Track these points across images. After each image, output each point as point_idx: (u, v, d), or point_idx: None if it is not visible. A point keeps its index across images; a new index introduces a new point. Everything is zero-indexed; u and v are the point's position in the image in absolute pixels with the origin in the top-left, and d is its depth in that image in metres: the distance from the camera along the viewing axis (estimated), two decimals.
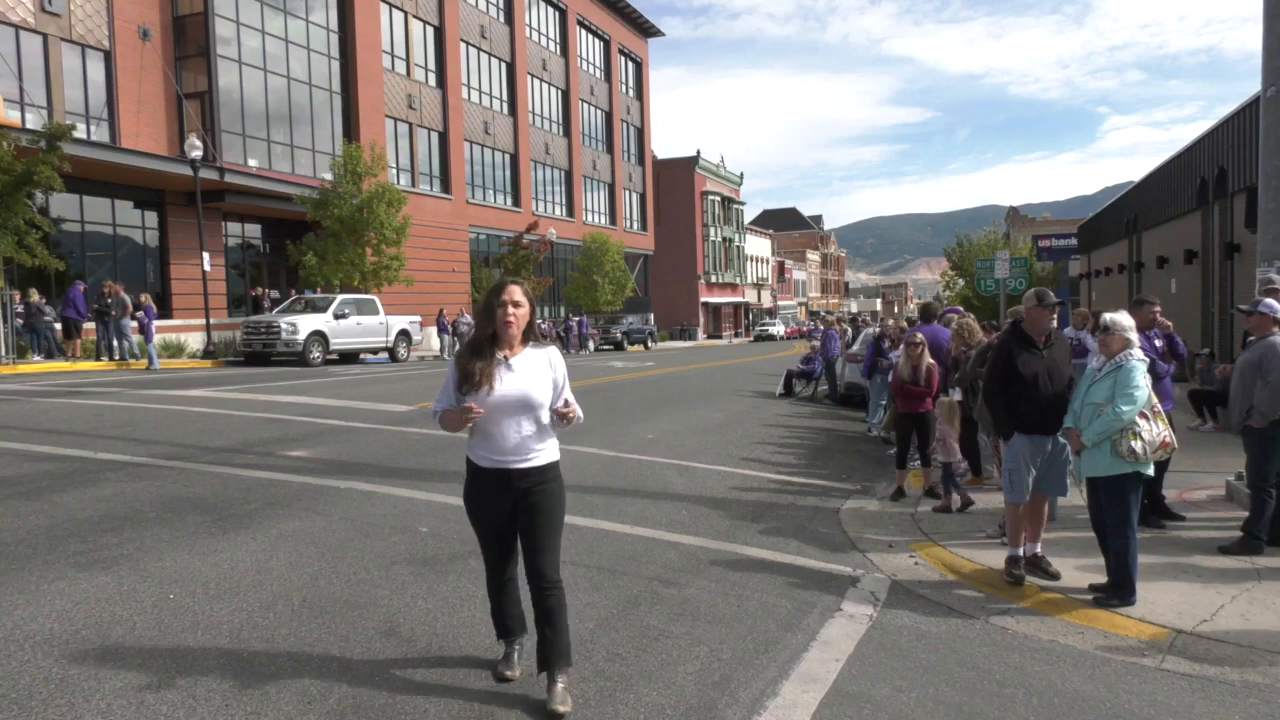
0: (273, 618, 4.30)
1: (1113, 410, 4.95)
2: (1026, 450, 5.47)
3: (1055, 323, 5.70)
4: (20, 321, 19.70)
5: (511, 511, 3.50)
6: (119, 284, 21.04)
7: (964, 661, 4.27)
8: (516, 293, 3.50)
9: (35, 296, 19.90)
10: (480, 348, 3.46)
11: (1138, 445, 4.91)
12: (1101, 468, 5.05)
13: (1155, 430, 4.99)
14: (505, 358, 3.45)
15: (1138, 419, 4.95)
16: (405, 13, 35.31)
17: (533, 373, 3.48)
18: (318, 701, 3.45)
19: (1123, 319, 5.19)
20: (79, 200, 22.97)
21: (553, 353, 3.60)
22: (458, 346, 30.95)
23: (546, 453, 3.54)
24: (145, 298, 20.97)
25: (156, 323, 20.96)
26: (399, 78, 34.93)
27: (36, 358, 19.74)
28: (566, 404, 3.50)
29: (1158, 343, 7.10)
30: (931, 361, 8.13)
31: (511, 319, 3.43)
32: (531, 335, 3.55)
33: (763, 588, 5.24)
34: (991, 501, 7.49)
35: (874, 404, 12.42)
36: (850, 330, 19.99)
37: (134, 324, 20.46)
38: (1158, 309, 7.24)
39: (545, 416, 3.50)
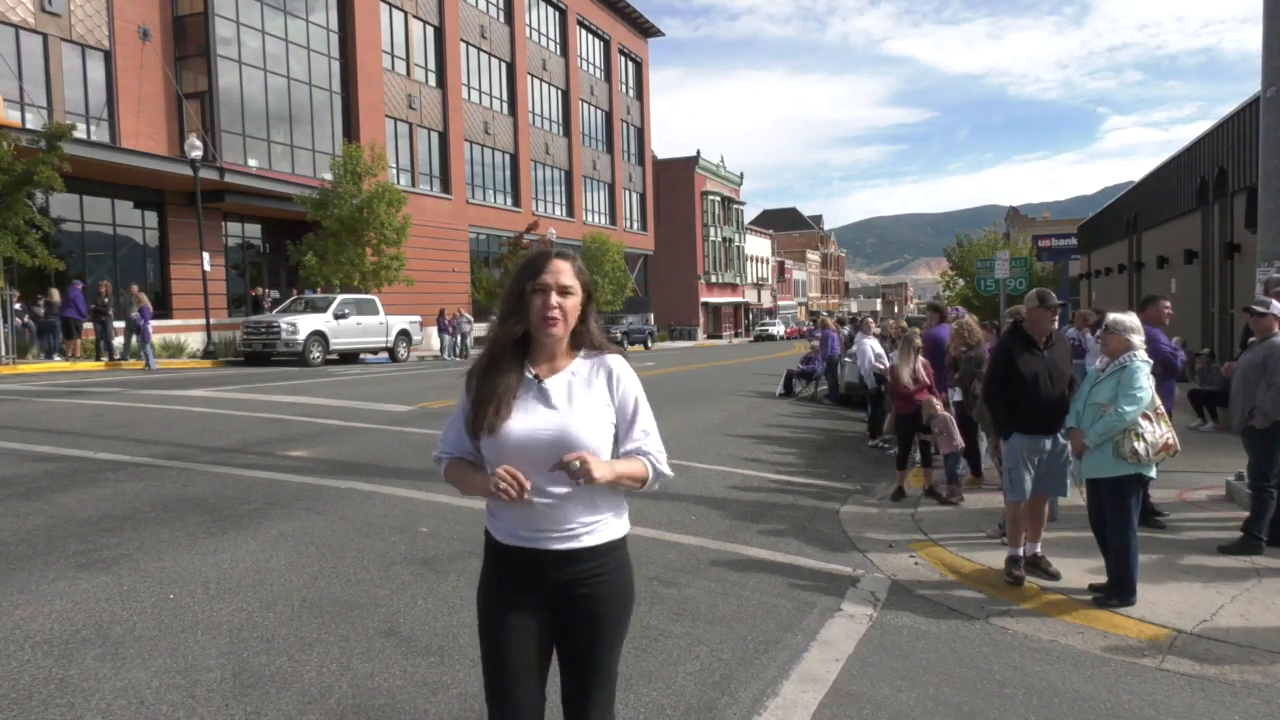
0: (273, 618, 4.30)
1: (1115, 411, 4.94)
2: (1025, 450, 5.47)
3: (1056, 323, 5.71)
4: (20, 321, 19.71)
5: (544, 618, 2.26)
6: (134, 285, 21.12)
7: (964, 661, 4.27)
8: (565, 271, 2.23)
9: (55, 297, 19.92)
10: (500, 361, 2.24)
11: (1140, 446, 4.91)
12: (1104, 469, 5.05)
13: (1158, 432, 4.98)
14: (537, 378, 2.23)
15: (1140, 420, 4.95)
16: (405, 13, 35.30)
17: (579, 399, 2.22)
18: (318, 701, 3.45)
19: (1126, 320, 5.18)
20: (79, 200, 22.96)
21: (615, 363, 2.30)
22: (459, 345, 30.86)
23: (604, 526, 2.25)
24: (141, 297, 20.96)
25: (156, 323, 20.94)
26: (399, 78, 34.92)
27: (41, 356, 19.76)
28: (639, 452, 2.24)
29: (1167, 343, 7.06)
30: (925, 360, 8.26)
31: (555, 314, 2.20)
32: (586, 339, 2.30)
33: (763, 588, 5.24)
34: (991, 501, 7.50)
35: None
36: (849, 331, 19.89)
37: (120, 324, 20.47)
38: (1167, 305, 7.27)
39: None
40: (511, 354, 2.24)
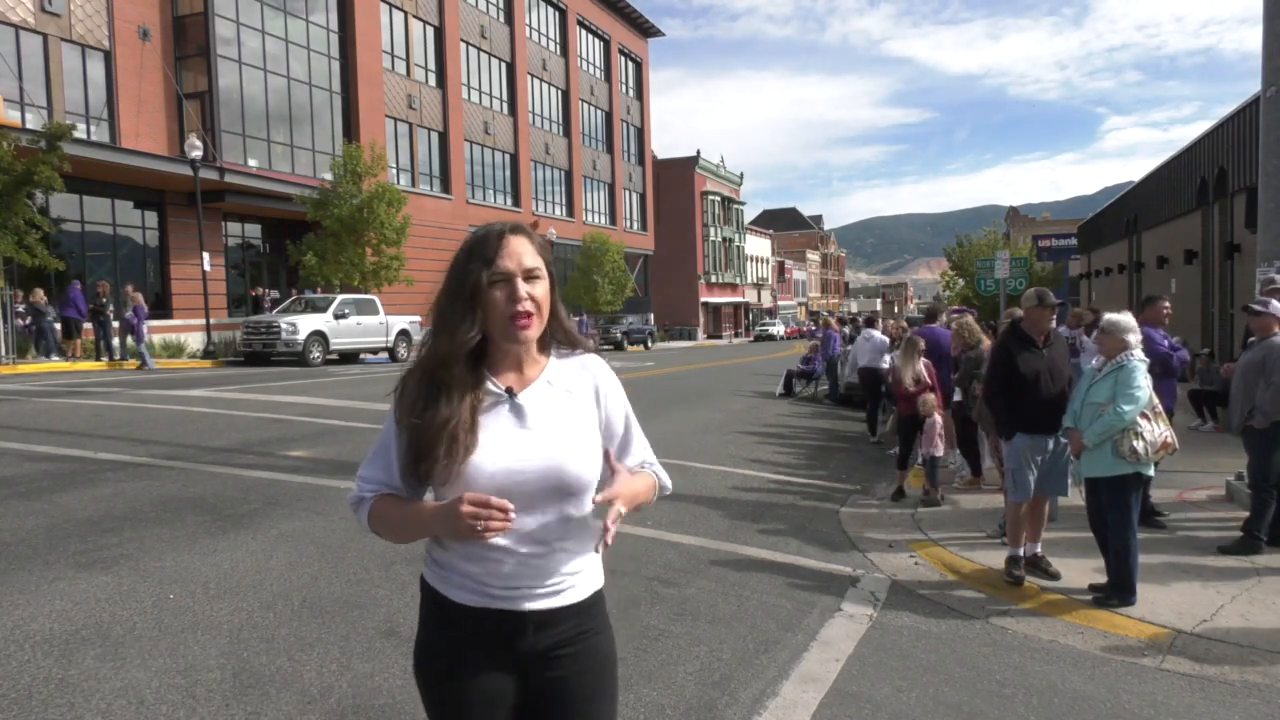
0: (273, 618, 4.30)
1: (1114, 410, 4.94)
2: (1029, 449, 5.47)
3: (1054, 322, 5.72)
4: (20, 321, 19.73)
5: (513, 699, 1.78)
6: (129, 285, 21.11)
7: (964, 661, 4.27)
8: (526, 250, 1.67)
9: (40, 298, 19.94)
10: (447, 380, 1.67)
11: (1139, 445, 4.91)
12: (1102, 468, 5.05)
13: (1157, 431, 4.99)
14: (509, 391, 1.70)
15: (1139, 419, 4.95)
16: (405, 13, 35.30)
17: (566, 416, 1.73)
18: (318, 701, 3.45)
19: (1121, 320, 5.19)
20: (79, 200, 22.94)
21: (596, 365, 1.83)
22: None
23: (590, 573, 1.80)
24: (136, 297, 20.94)
25: (157, 323, 20.92)
26: (399, 78, 34.92)
27: (41, 357, 19.76)
28: (640, 465, 1.86)
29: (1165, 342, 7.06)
30: (926, 361, 8.27)
31: (528, 308, 1.65)
32: (558, 335, 1.78)
33: (763, 588, 5.24)
34: (991, 501, 7.50)
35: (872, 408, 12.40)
36: (850, 330, 19.89)
37: (116, 324, 20.48)
38: (1166, 305, 7.27)
39: (589, 503, 1.72)
40: (464, 367, 1.67)
